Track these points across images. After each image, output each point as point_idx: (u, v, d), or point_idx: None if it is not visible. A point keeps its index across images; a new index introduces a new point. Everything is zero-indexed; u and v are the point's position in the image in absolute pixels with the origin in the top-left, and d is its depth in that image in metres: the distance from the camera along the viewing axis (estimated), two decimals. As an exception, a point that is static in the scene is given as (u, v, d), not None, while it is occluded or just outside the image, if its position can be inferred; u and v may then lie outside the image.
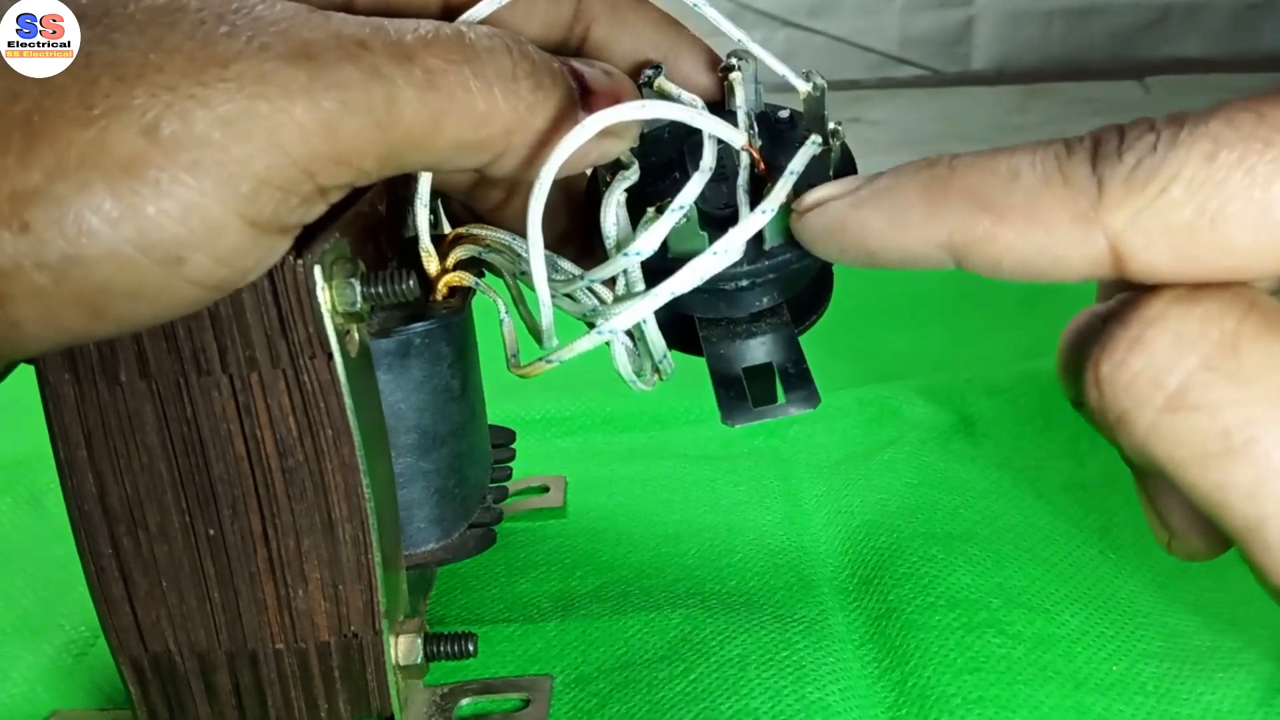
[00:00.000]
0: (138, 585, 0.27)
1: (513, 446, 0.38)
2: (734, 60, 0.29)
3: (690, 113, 0.26)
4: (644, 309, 0.26)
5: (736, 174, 0.28)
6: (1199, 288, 0.21)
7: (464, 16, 0.26)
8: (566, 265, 0.28)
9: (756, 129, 0.29)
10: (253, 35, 0.21)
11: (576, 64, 0.26)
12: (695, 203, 0.26)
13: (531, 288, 0.28)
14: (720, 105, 0.30)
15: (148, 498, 0.26)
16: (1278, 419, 0.20)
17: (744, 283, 0.28)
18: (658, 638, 0.34)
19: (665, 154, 0.30)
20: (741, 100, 0.29)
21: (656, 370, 0.30)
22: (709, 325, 0.30)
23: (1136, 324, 0.22)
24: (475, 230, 0.30)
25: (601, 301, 0.28)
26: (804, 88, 0.29)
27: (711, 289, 0.28)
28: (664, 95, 0.28)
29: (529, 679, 0.33)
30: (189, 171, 0.20)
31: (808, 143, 0.28)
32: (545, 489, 0.43)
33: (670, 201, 0.26)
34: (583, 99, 0.25)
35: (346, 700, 0.28)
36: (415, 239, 0.30)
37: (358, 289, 0.25)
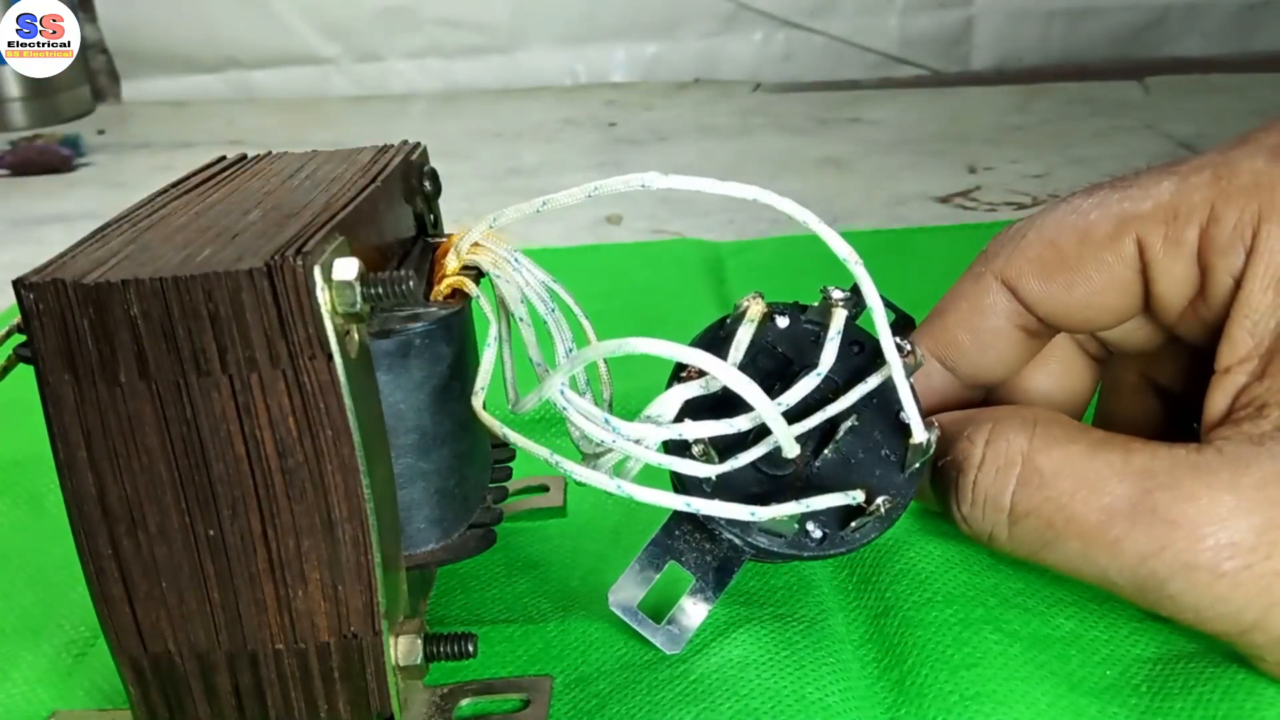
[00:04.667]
0: (137, 586, 0.27)
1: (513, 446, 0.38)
2: (841, 295, 0.30)
3: (751, 394, 0.27)
4: (645, 498, 0.28)
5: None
6: (1000, 423, 0.30)
7: None
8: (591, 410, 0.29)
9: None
10: None
11: None
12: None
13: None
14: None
15: (147, 498, 0.26)
16: (1083, 500, 0.28)
17: (737, 541, 0.30)
18: (657, 638, 0.34)
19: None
20: (835, 333, 0.29)
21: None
22: (680, 520, 0.32)
23: (969, 471, 0.30)
24: (496, 251, 0.31)
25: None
26: (920, 437, 0.29)
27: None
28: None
29: (529, 679, 0.33)
30: None
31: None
32: (545, 489, 0.43)
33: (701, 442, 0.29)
34: None
35: (346, 701, 0.28)
36: (422, 235, 0.30)
37: (358, 289, 0.25)
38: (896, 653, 0.33)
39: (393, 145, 0.35)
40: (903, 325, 0.35)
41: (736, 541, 0.30)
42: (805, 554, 0.30)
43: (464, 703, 0.32)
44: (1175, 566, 0.27)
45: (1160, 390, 0.36)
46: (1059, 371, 0.36)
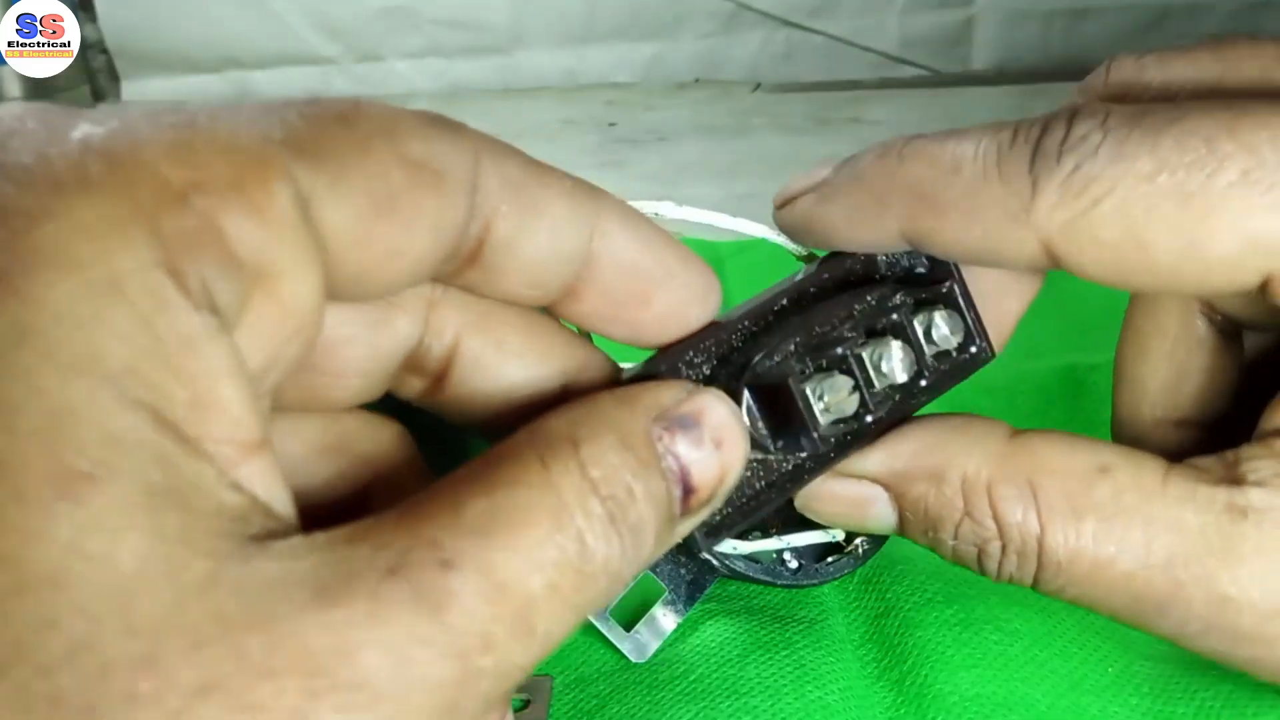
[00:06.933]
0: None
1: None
2: None
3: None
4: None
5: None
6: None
7: None
8: None
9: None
10: None
11: (684, 447, 0.20)
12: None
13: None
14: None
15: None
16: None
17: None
18: (657, 637, 0.34)
19: None
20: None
21: None
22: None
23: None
24: None
25: None
26: None
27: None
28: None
29: (529, 679, 0.32)
30: None
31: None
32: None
33: None
34: (684, 498, 0.20)
35: (346, 700, 0.28)
36: None
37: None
38: (896, 653, 0.33)
39: (393, 145, 0.35)
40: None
41: (713, 561, 0.30)
42: (780, 582, 0.31)
43: (464, 702, 0.32)
44: None
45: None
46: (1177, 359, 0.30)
